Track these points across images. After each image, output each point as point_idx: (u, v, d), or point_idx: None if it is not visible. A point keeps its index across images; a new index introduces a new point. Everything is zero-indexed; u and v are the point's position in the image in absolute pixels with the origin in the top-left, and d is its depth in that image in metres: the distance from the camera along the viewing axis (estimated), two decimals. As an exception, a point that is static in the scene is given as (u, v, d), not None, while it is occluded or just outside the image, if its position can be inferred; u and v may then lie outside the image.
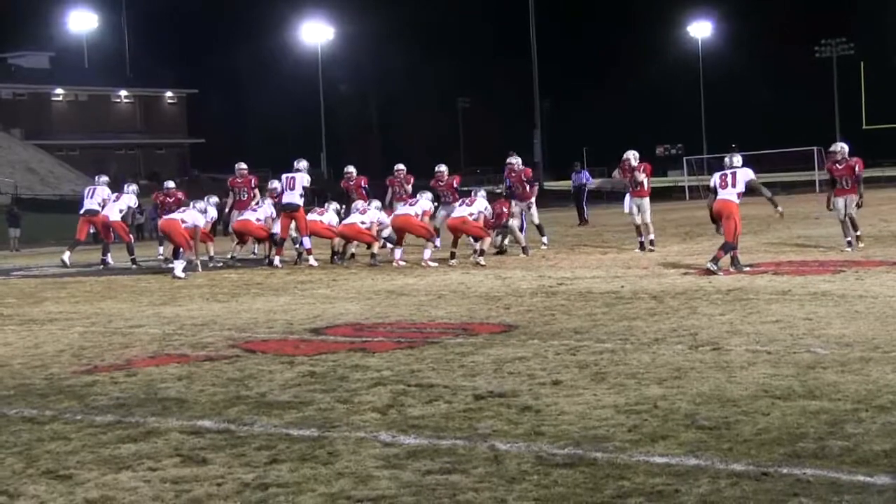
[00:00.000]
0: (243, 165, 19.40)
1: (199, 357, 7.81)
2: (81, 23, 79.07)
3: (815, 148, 51.76)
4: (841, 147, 15.73)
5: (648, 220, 16.43)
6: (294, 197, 16.67)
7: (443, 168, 18.88)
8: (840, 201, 15.15)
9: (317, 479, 4.51)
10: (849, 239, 15.14)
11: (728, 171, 13.04)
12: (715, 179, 13.24)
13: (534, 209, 17.75)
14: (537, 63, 60.68)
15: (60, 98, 73.46)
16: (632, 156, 16.59)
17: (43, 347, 8.67)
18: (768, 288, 10.72)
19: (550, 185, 63.25)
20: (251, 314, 10.47)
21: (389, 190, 18.96)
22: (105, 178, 19.57)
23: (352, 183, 19.62)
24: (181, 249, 15.57)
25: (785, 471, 4.34)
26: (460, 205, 16.11)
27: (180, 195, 19.47)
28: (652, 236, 16.55)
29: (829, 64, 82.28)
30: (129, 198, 18.91)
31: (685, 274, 12.60)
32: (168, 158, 76.31)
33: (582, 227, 26.27)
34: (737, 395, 5.75)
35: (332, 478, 4.51)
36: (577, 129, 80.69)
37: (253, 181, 19.21)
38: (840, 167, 15.34)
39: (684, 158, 60.71)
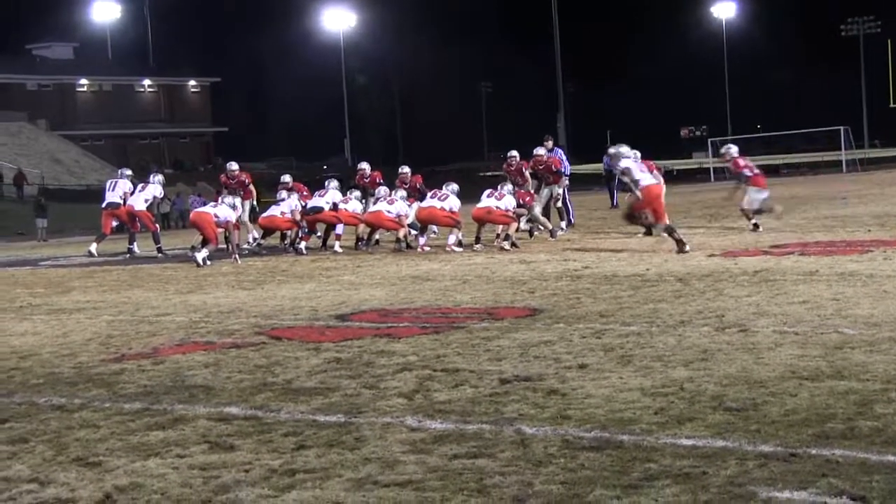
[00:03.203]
0: (234, 166, 19.53)
1: (225, 344, 7.84)
2: (105, 13, 79.57)
3: (841, 128, 51.26)
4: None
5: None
6: (320, 202, 17.27)
7: (514, 153, 18.49)
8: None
9: (344, 464, 4.52)
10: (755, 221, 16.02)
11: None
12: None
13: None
14: (560, 46, 60.42)
15: (85, 88, 73.94)
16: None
17: (71, 336, 8.75)
18: (795, 269, 10.64)
19: (575, 168, 62.92)
20: (277, 301, 10.51)
21: (508, 180, 18.23)
22: (128, 172, 19.61)
23: (366, 180, 19.56)
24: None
25: (814, 451, 4.30)
26: (488, 196, 16.06)
27: (244, 177, 19.31)
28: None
29: (856, 42, 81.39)
30: (155, 187, 19.00)
31: (710, 256, 12.53)
32: (192, 147, 76.69)
33: (612, 210, 26.17)
34: (764, 376, 5.72)
35: (358, 463, 4.52)
36: (601, 113, 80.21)
37: (247, 179, 19.28)
38: (742, 163, 16.49)
39: (709, 140, 60.33)
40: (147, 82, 77.46)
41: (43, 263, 18.60)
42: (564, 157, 20.47)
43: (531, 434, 4.80)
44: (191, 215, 17.61)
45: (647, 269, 11.38)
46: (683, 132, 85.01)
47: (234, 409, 5.64)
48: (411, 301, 9.95)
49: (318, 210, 17.17)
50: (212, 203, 17.23)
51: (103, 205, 19.06)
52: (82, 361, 7.43)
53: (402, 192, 17.36)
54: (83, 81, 73.57)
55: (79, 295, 12.26)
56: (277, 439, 4.97)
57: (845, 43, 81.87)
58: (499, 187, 16.44)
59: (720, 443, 4.50)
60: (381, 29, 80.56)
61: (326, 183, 18.10)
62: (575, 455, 4.44)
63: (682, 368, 6.04)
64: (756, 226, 16.03)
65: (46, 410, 5.89)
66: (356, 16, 75.91)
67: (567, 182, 20.55)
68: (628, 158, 14.45)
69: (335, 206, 17.24)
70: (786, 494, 3.84)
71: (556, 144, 20.53)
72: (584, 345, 6.96)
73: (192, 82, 79.79)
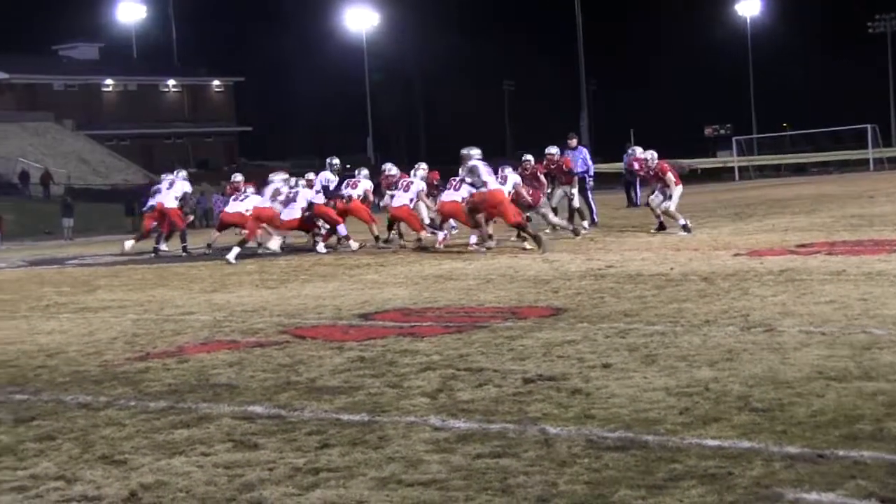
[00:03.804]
0: (239, 177, 20.75)
1: (249, 343, 7.87)
2: (130, 14, 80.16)
3: (868, 126, 50.80)
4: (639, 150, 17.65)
5: (673, 208, 16.53)
6: (316, 196, 17.31)
7: (528, 157, 18.64)
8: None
9: (367, 463, 4.52)
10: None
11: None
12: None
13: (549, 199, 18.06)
14: (583, 44, 60.27)
15: (110, 88, 74.41)
16: (649, 156, 17.19)
17: (97, 335, 8.80)
18: (822, 268, 10.55)
19: (598, 167, 62.72)
20: (300, 300, 10.53)
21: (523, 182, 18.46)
22: (172, 177, 19.62)
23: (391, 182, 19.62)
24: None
25: (841, 453, 4.26)
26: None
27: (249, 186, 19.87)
28: (682, 220, 16.45)
29: (883, 39, 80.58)
30: (184, 184, 19.11)
31: (736, 255, 12.45)
32: (216, 147, 77.01)
33: (634, 209, 26.10)
34: (790, 376, 5.67)
35: (382, 462, 4.52)
36: (624, 111, 79.87)
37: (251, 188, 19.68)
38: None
39: (733, 139, 59.92)
40: (171, 82, 77.87)
41: (69, 262, 18.74)
42: (588, 156, 20.52)
43: (555, 434, 4.78)
44: (258, 210, 17.01)
45: (672, 269, 11.32)
46: (708, 131, 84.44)
47: (258, 408, 5.65)
48: (435, 300, 9.95)
49: (313, 204, 17.15)
50: (259, 195, 17.34)
51: (144, 208, 19.97)
52: (108, 360, 7.48)
53: (421, 172, 17.65)
54: (108, 82, 74.03)
55: (105, 294, 12.34)
56: (301, 438, 4.98)
57: (873, 40, 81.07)
58: (500, 170, 16.34)
59: (746, 443, 4.46)
60: (404, 28, 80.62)
61: (328, 159, 17.68)
62: (599, 455, 4.41)
63: (708, 368, 6.00)
64: (660, 227, 16.60)
65: (73, 408, 5.93)
66: (378, 15, 76.02)
67: (591, 182, 20.59)
68: (475, 158, 14.85)
69: (337, 188, 17.11)
70: (813, 496, 3.80)
71: (580, 143, 20.59)
72: (608, 344, 6.93)
73: (216, 82, 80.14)
